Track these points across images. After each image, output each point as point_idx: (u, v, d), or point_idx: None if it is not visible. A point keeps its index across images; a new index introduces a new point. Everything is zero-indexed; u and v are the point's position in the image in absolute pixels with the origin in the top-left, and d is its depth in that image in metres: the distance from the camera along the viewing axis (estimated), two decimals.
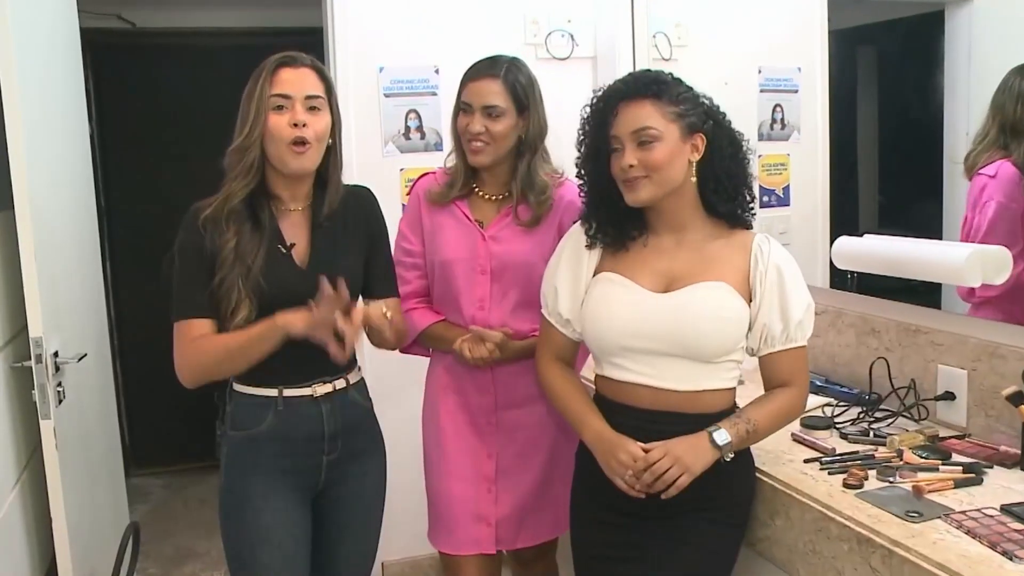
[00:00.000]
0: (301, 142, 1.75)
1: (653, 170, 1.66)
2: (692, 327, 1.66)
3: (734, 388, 1.75)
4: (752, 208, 1.78)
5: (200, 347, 1.76)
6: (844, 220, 2.70)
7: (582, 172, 1.81)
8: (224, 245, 1.75)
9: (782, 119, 3.04)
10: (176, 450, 4.57)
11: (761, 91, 3.05)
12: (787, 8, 3.04)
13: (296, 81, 1.77)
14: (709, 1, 3.20)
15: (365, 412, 1.96)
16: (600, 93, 1.75)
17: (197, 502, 4.19)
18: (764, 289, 1.68)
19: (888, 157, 2.77)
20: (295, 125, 1.74)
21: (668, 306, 1.69)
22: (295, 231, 1.84)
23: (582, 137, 1.79)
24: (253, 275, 1.73)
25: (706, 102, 1.73)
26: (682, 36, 3.19)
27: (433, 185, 2.17)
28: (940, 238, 2.29)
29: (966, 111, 2.32)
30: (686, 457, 1.61)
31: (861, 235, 2.33)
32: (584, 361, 2.07)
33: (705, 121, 1.70)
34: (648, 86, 1.68)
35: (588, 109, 1.77)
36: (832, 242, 2.55)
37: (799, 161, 3.06)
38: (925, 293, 2.17)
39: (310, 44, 3.09)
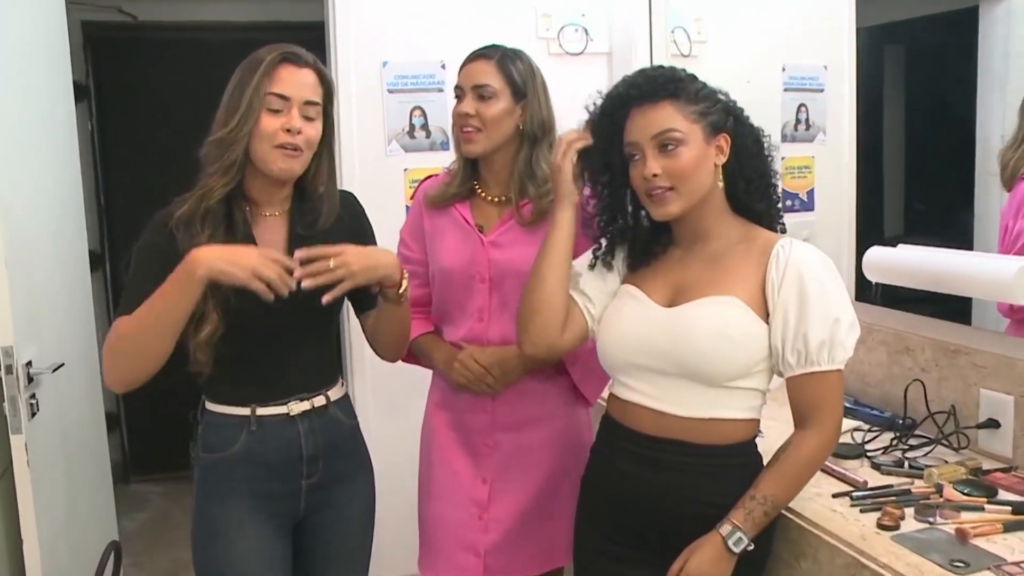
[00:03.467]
0: (292, 147, 1.61)
1: (680, 179, 1.49)
2: (689, 346, 1.49)
3: (755, 419, 1.56)
4: (781, 212, 1.62)
5: (114, 331, 1.56)
6: (868, 226, 2.57)
7: (588, 184, 1.64)
8: (197, 244, 1.58)
9: (807, 120, 2.92)
10: (176, 456, 4.41)
11: (785, 90, 2.92)
12: (813, 3, 2.91)
13: (298, 82, 1.62)
14: None
15: (349, 431, 1.81)
16: (606, 96, 1.58)
17: None
18: (779, 301, 1.48)
19: (916, 161, 2.64)
20: (288, 130, 1.59)
21: (669, 321, 1.53)
22: (271, 239, 1.68)
23: (587, 151, 1.62)
24: (223, 288, 1.58)
25: (723, 98, 1.57)
26: (702, 31, 3.05)
27: (433, 187, 2.02)
28: (971, 247, 2.16)
29: (1002, 113, 2.18)
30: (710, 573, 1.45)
31: (892, 244, 2.18)
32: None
33: (727, 119, 1.54)
34: (664, 85, 1.51)
35: (594, 114, 1.60)
36: (859, 250, 2.42)
37: (824, 164, 2.94)
38: (954, 306, 2.01)
39: (312, 39, 2.98)
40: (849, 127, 2.76)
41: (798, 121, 2.90)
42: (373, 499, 1.86)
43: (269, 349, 1.66)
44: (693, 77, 1.55)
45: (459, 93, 1.91)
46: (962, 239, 2.21)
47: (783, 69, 2.92)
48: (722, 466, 1.51)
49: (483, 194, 1.96)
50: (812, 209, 2.95)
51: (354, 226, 1.79)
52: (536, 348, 1.65)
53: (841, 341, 1.46)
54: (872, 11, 2.65)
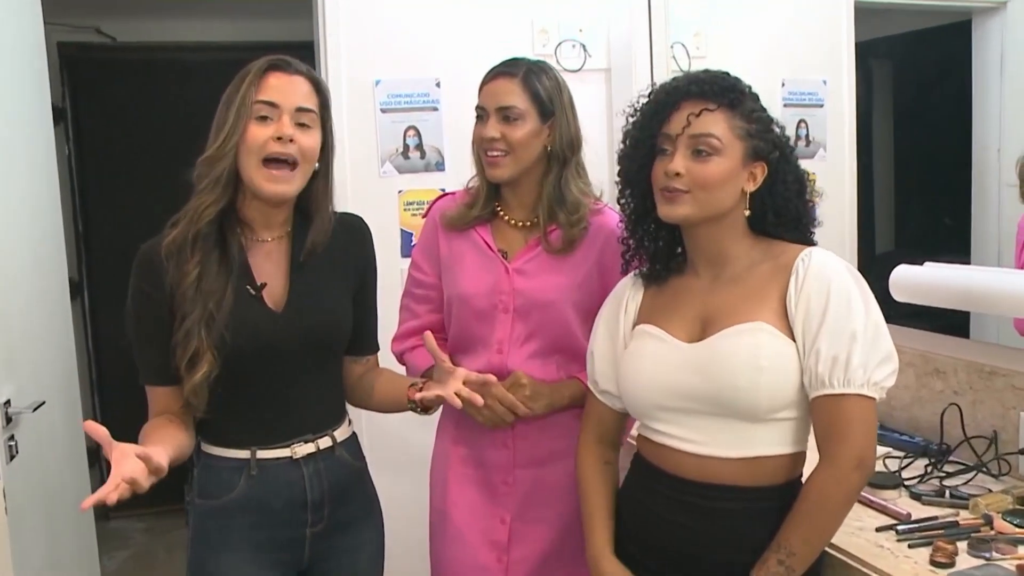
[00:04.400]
0: (283, 160, 1.48)
1: (700, 187, 1.39)
2: (724, 382, 1.37)
3: (802, 452, 1.43)
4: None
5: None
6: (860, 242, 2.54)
7: (621, 172, 1.54)
8: (184, 278, 1.47)
9: (807, 135, 2.84)
10: (159, 490, 4.23)
11: (785, 105, 2.85)
12: (812, 18, 2.86)
13: (287, 89, 1.50)
14: (730, 10, 2.98)
15: (356, 474, 1.69)
16: (662, 86, 1.47)
17: (180, 548, 3.90)
18: (797, 315, 1.36)
19: (906, 176, 2.62)
20: (279, 139, 1.47)
21: (696, 358, 1.41)
22: (269, 266, 1.56)
23: (625, 137, 1.52)
24: (217, 323, 1.46)
25: (778, 130, 1.46)
26: (701, 46, 2.98)
27: (450, 207, 1.89)
28: (968, 261, 2.13)
29: (998, 127, 2.16)
30: None
31: (887, 260, 2.13)
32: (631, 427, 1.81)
33: (772, 151, 1.42)
34: (726, 91, 1.40)
35: (644, 100, 1.50)
36: (859, 265, 2.37)
37: (825, 180, 2.84)
38: (951, 320, 1.96)
39: (302, 59, 2.87)
40: (849, 142, 2.73)
41: (798, 137, 2.82)
42: (383, 546, 1.74)
43: (270, 388, 1.54)
44: (756, 97, 1.45)
45: (481, 114, 1.79)
46: (956, 253, 2.16)
47: (783, 84, 2.86)
48: (771, 508, 1.39)
49: (506, 217, 1.84)
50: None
51: (358, 251, 1.69)
52: None
53: (861, 361, 1.31)
54: (862, 27, 2.60)
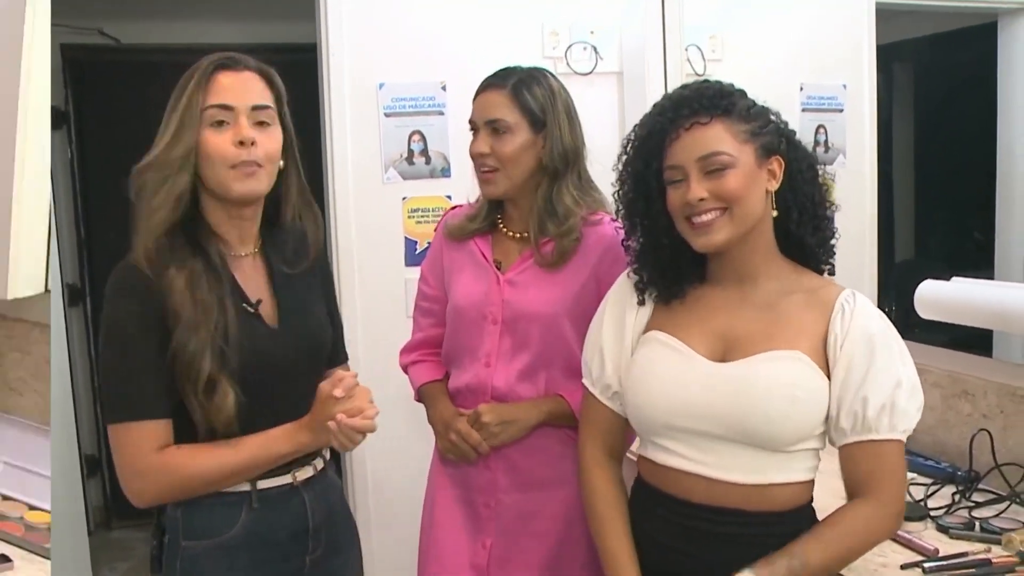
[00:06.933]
0: (251, 163, 1.37)
1: (729, 202, 1.31)
2: (758, 409, 1.30)
3: (811, 480, 1.36)
4: (834, 250, 1.42)
5: (176, 466, 1.34)
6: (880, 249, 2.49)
7: (626, 214, 1.46)
8: (172, 286, 1.32)
9: (826, 141, 2.77)
10: None
11: (803, 110, 2.78)
12: (832, 20, 2.79)
13: (239, 88, 1.38)
14: (747, 11, 2.91)
15: (340, 493, 1.63)
16: (649, 115, 1.40)
17: None
18: (841, 357, 1.30)
19: (927, 183, 2.55)
20: (241, 143, 1.36)
21: (728, 380, 1.33)
22: (254, 283, 1.46)
23: (624, 173, 1.44)
24: (231, 347, 1.34)
25: (775, 119, 1.38)
26: (716, 49, 2.91)
27: (455, 218, 1.84)
28: (991, 274, 2.07)
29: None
30: None
31: (905, 269, 2.05)
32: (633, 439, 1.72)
33: (780, 142, 1.36)
34: (715, 100, 1.32)
35: (633, 135, 1.42)
36: (878, 273, 2.34)
37: (845, 187, 2.77)
38: (971, 333, 1.87)
39: (305, 61, 2.81)
40: (870, 149, 2.66)
41: (816, 143, 2.75)
42: (362, 569, 1.66)
43: (271, 411, 1.43)
44: (743, 93, 1.37)
45: (473, 128, 1.74)
46: (979, 265, 2.13)
47: (801, 88, 2.79)
48: (779, 535, 1.31)
49: (504, 229, 1.79)
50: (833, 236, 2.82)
51: (322, 261, 1.62)
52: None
53: (903, 408, 1.29)
54: (884, 29, 2.55)
